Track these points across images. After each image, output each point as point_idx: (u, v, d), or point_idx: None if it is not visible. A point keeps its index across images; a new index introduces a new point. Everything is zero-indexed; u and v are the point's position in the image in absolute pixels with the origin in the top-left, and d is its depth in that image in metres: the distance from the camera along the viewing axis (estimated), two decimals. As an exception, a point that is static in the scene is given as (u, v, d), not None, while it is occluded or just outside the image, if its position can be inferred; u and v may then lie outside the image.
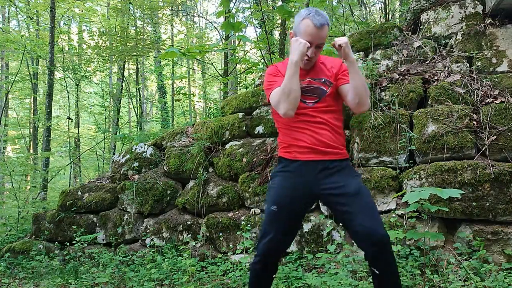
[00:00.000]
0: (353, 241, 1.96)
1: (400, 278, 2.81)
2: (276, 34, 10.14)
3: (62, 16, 12.66)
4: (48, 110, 8.20)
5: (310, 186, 1.97)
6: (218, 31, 10.84)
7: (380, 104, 3.92)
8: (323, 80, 2.04)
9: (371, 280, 2.97)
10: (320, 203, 3.78)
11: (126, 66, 13.09)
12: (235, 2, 11.25)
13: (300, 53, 1.88)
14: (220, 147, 4.74)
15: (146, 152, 5.15)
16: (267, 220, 2.00)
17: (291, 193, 1.97)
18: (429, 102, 3.87)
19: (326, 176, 1.96)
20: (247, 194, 4.22)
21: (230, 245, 4.08)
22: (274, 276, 2.08)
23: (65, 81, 12.18)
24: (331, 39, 8.24)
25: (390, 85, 4.03)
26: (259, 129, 4.63)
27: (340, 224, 2.08)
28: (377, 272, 1.87)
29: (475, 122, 3.53)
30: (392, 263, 1.86)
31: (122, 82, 12.25)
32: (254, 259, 2.02)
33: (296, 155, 1.99)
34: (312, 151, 1.97)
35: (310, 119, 1.98)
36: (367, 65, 4.18)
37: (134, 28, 12.32)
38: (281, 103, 1.91)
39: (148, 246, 4.42)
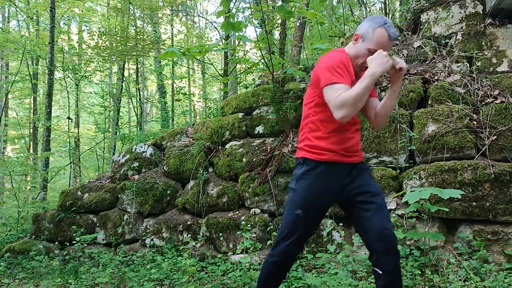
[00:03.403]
0: (363, 239, 1.98)
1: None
2: (276, 34, 10.14)
3: (62, 16, 12.67)
4: (48, 110, 8.20)
5: (338, 189, 1.97)
6: (218, 31, 10.84)
7: (380, 104, 3.92)
8: None
9: (371, 280, 2.97)
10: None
11: (126, 66, 13.10)
12: (235, 2, 11.25)
13: (384, 69, 1.84)
14: (220, 147, 4.74)
15: (146, 152, 5.14)
16: (290, 223, 1.97)
17: (318, 198, 1.96)
18: (429, 102, 3.87)
19: (353, 178, 1.98)
20: (247, 194, 4.22)
21: (230, 245, 4.08)
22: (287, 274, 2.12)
23: (65, 81, 12.19)
24: (331, 39, 8.24)
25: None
26: (259, 129, 4.63)
27: (354, 223, 2.09)
28: (380, 273, 1.88)
29: (475, 122, 3.53)
30: (398, 267, 1.89)
31: (122, 82, 12.26)
32: (271, 257, 2.03)
33: (326, 156, 1.95)
34: (343, 154, 1.97)
35: (350, 122, 1.97)
36: (367, 65, 4.18)
37: (134, 28, 12.32)
38: (346, 107, 1.79)
39: (148, 246, 4.42)
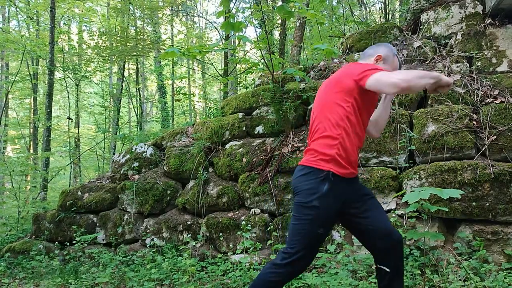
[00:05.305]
0: (365, 240, 1.99)
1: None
2: (276, 34, 10.15)
3: (62, 16, 12.66)
4: (48, 110, 8.20)
5: (343, 202, 1.93)
6: (218, 31, 10.84)
7: (380, 104, 3.92)
8: None
9: (371, 280, 2.97)
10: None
11: (126, 66, 13.09)
12: (235, 2, 11.26)
13: (438, 80, 1.77)
14: (220, 147, 4.74)
15: (146, 152, 5.15)
16: (309, 241, 1.87)
17: (335, 214, 1.92)
18: (429, 102, 3.87)
19: (353, 191, 1.99)
20: (247, 194, 4.22)
21: (230, 245, 4.08)
22: None
23: (65, 81, 12.19)
24: (331, 39, 8.23)
25: (390, 85, 4.03)
26: (259, 129, 4.63)
27: (352, 227, 2.09)
28: (388, 270, 1.92)
29: (475, 122, 3.53)
30: (402, 264, 1.96)
31: (122, 82, 12.26)
32: (275, 276, 1.88)
33: (347, 171, 1.90)
34: (354, 167, 1.97)
35: (361, 135, 1.99)
36: (367, 65, 4.18)
37: (134, 28, 12.33)
38: (409, 77, 1.72)
39: (148, 246, 4.42)
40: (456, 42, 4.25)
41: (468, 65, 4.10)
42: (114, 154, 10.04)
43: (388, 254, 1.92)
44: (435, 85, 1.80)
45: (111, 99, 12.89)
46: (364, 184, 3.58)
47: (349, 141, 1.90)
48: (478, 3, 4.30)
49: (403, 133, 3.68)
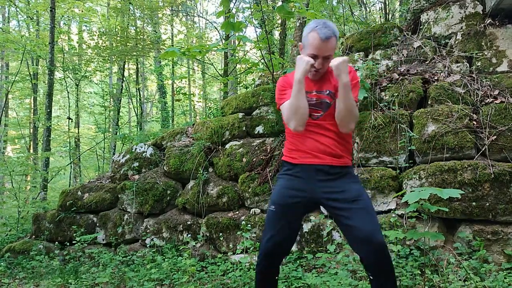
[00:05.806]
0: (350, 246, 2.01)
1: (399, 279, 2.81)
2: (276, 34, 10.15)
3: (62, 16, 12.66)
4: (48, 110, 8.20)
5: (311, 189, 2.01)
6: (218, 31, 10.84)
7: (380, 104, 3.92)
8: (327, 92, 2.04)
9: (371, 280, 2.97)
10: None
11: (126, 66, 13.09)
12: (235, 2, 11.26)
13: (303, 71, 1.93)
14: (220, 147, 4.74)
15: (146, 152, 5.15)
16: (266, 220, 2.08)
17: (290, 193, 2.02)
18: (429, 102, 3.87)
19: (326, 181, 1.99)
20: (247, 194, 4.22)
21: (230, 245, 4.08)
22: (277, 278, 2.10)
23: (65, 81, 12.19)
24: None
25: (390, 85, 4.03)
26: (259, 129, 4.63)
27: (340, 228, 2.09)
28: (371, 278, 1.88)
29: (475, 122, 3.53)
30: (388, 270, 1.86)
31: (122, 82, 12.26)
32: (257, 260, 2.08)
33: (298, 159, 2.05)
34: (313, 156, 2.01)
35: (315, 130, 2.03)
36: (367, 65, 4.18)
37: (134, 28, 12.32)
38: (290, 120, 1.97)
39: (148, 246, 4.42)
40: (456, 42, 4.25)
41: (468, 65, 4.10)
42: (114, 154, 10.05)
43: (369, 263, 1.87)
44: (310, 73, 2.01)
45: (111, 99, 12.89)
46: (364, 184, 3.59)
47: (294, 139, 2.09)
48: (478, 3, 4.30)
49: (403, 133, 3.68)
